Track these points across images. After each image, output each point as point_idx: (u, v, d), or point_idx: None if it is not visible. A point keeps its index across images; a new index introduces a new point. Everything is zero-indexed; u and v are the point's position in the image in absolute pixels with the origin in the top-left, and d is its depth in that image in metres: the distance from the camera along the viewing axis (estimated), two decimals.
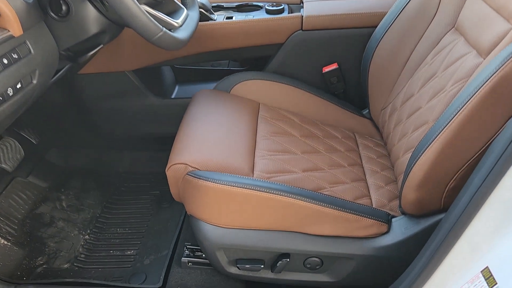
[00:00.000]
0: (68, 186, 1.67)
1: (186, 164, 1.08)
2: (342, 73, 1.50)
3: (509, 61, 0.81)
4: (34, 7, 0.94)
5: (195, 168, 1.08)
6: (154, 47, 1.39)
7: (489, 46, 0.98)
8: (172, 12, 1.18)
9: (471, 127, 0.87)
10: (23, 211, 1.53)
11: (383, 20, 1.34)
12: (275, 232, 1.05)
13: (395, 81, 1.29)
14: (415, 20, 1.24)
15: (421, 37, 1.23)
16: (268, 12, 1.51)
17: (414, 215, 1.03)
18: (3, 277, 1.29)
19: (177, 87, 1.74)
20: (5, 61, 0.84)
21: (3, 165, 1.49)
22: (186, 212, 1.36)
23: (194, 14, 1.27)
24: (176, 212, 1.54)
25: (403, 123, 1.20)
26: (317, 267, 1.10)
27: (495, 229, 0.75)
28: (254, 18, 1.48)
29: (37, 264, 1.39)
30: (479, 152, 0.87)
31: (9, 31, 0.86)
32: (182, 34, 1.11)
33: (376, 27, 1.36)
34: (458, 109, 0.87)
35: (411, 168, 0.96)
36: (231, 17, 1.50)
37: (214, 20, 1.49)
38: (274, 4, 1.53)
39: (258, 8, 1.58)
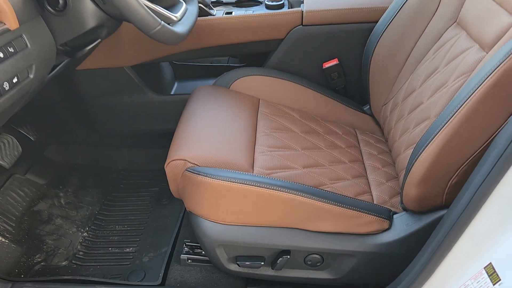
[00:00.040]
0: (67, 183, 1.66)
1: (185, 160, 1.07)
2: (343, 69, 1.49)
3: None
4: (31, 1, 0.92)
5: (194, 164, 1.07)
6: (152, 43, 1.39)
7: (492, 40, 0.97)
8: (171, 6, 1.17)
9: (473, 122, 0.86)
10: (21, 208, 1.52)
11: (384, 15, 1.33)
12: (276, 229, 1.04)
13: (396, 77, 1.28)
14: (416, 15, 1.23)
15: (422, 32, 1.22)
16: (268, 7, 1.50)
17: (416, 212, 1.02)
18: (1, 275, 1.28)
19: (176, 84, 1.73)
20: (1, 54, 0.83)
21: (1, 162, 1.48)
22: (185, 209, 1.36)
23: (193, 9, 1.25)
24: (175, 209, 1.53)
25: (404, 118, 1.19)
26: (318, 264, 1.09)
27: (498, 225, 0.74)
28: (253, 13, 1.47)
29: (35, 261, 1.38)
30: (482, 147, 0.86)
31: (5, 24, 0.85)
32: (180, 28, 1.10)
33: (377, 22, 1.35)
34: (460, 104, 0.86)
35: (413, 164, 0.95)
36: (231, 12, 1.49)
37: (214, 15, 1.48)
38: None
39: (257, 3, 1.57)
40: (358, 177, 1.19)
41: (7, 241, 1.39)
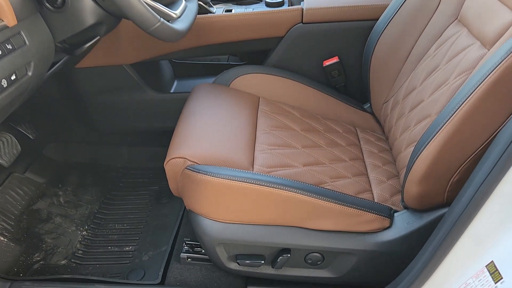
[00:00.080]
0: (66, 182, 1.66)
1: (184, 158, 1.07)
2: (343, 67, 1.49)
3: None
4: None
5: (194, 162, 1.06)
6: (152, 40, 1.38)
7: (494, 37, 0.96)
8: (170, 3, 1.16)
9: (475, 119, 0.85)
10: (20, 207, 1.51)
11: (384, 12, 1.32)
12: (276, 227, 1.04)
13: (397, 74, 1.28)
14: (417, 12, 1.23)
15: (423, 30, 1.21)
16: (268, 5, 1.50)
17: (417, 210, 1.02)
18: (0, 274, 1.28)
19: (176, 82, 1.72)
20: None
21: (0, 161, 1.47)
22: (185, 207, 1.35)
23: (193, 6, 1.25)
24: (175, 208, 1.53)
25: (405, 116, 1.18)
26: (318, 263, 1.09)
27: (500, 223, 0.74)
28: (253, 11, 1.46)
29: (34, 260, 1.38)
30: (484, 145, 0.86)
31: (3, 21, 0.84)
32: (180, 25, 1.09)
33: (377, 19, 1.34)
34: (462, 101, 0.85)
35: (414, 162, 0.94)
36: (230, 10, 1.49)
37: (213, 13, 1.47)
38: None
39: (257, 1, 1.56)
40: (359, 175, 1.18)
41: (6, 239, 1.39)
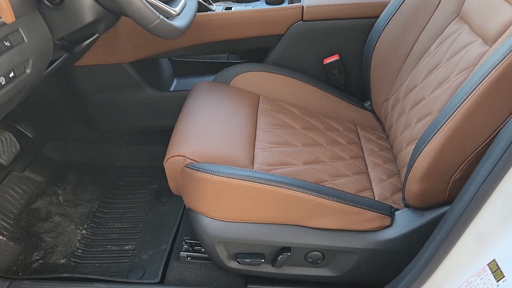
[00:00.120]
0: (65, 181, 1.65)
1: (184, 156, 1.06)
2: (344, 65, 1.48)
3: None
4: None
5: (193, 160, 1.06)
6: (151, 38, 1.37)
7: (495, 34, 0.96)
8: (170, 0, 1.15)
9: (476, 117, 0.85)
10: (19, 206, 1.50)
11: (385, 10, 1.32)
12: (276, 226, 1.03)
13: (398, 72, 1.27)
14: (418, 9, 1.22)
15: (424, 27, 1.21)
16: (268, 2, 1.49)
17: (418, 208, 1.01)
18: None
19: (175, 80, 1.72)
20: None
21: None
22: (185, 206, 1.35)
23: (193, 3, 1.24)
24: (174, 206, 1.52)
25: (406, 114, 1.18)
26: (319, 261, 1.08)
27: (502, 221, 0.73)
28: (253, 8, 1.46)
29: (33, 259, 1.37)
30: (485, 142, 0.85)
31: (1, 18, 0.84)
32: (179, 22, 1.09)
33: (378, 17, 1.34)
34: (463, 99, 0.85)
35: (415, 160, 0.94)
36: (230, 8, 1.48)
37: (213, 10, 1.47)
38: None
39: None
40: (359, 174, 1.18)
41: (5, 238, 1.38)
